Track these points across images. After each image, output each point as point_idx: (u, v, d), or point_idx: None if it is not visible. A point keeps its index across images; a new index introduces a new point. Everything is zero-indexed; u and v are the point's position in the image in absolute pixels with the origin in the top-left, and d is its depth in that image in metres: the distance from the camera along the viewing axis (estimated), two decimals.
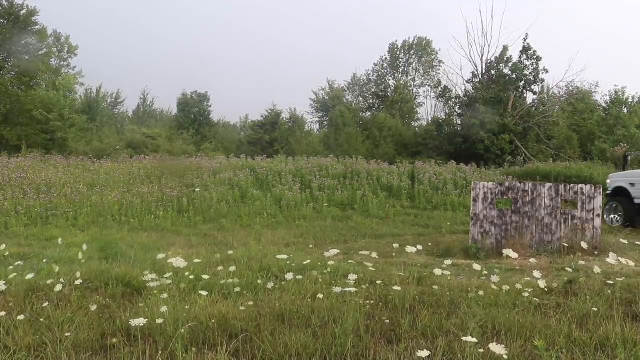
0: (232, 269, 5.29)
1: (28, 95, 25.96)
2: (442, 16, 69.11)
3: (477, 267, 4.82)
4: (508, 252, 4.47)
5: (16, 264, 5.73)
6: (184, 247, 9.73)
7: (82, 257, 5.57)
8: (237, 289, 4.87)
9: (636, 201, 13.88)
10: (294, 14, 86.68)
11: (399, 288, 4.77)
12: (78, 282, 4.85)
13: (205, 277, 5.18)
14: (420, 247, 4.75)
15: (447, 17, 69.26)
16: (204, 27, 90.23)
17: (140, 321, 3.39)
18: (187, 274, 5.02)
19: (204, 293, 4.55)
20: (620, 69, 59.30)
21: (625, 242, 5.68)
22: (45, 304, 4.42)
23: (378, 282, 5.28)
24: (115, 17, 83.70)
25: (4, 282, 4.83)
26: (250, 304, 4.51)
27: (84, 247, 5.84)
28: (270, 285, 5.00)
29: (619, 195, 14.63)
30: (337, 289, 4.27)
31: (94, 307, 4.40)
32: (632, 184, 14.59)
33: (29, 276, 4.98)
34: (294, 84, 72.29)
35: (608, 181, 16.09)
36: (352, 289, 4.17)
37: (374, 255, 5.13)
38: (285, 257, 5.34)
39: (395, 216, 14.98)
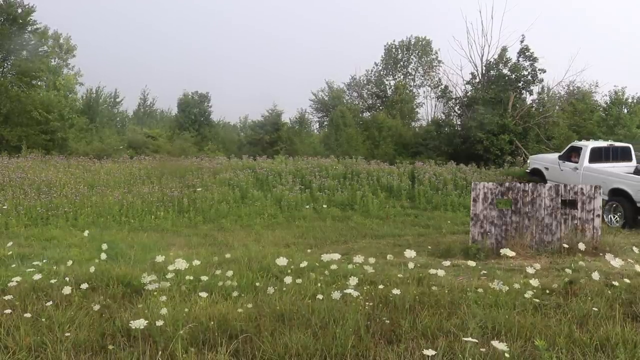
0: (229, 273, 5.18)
1: (28, 95, 25.95)
2: (442, 16, 69.07)
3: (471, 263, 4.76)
4: (505, 251, 4.46)
5: (13, 265, 5.74)
6: (183, 247, 9.74)
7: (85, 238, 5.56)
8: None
9: (549, 182, 15.13)
10: (297, 11, 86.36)
11: (399, 291, 4.76)
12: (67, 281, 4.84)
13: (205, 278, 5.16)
14: (414, 254, 4.66)
15: (448, 17, 69.21)
16: (204, 25, 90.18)
17: (140, 322, 3.37)
18: (187, 277, 5.01)
19: (204, 294, 4.53)
20: (622, 66, 59.07)
21: (637, 250, 5.63)
22: (47, 304, 4.42)
23: (379, 284, 5.28)
24: (117, 16, 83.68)
25: (4, 282, 4.83)
26: (249, 305, 4.51)
27: (86, 233, 5.84)
28: (271, 290, 4.97)
29: (536, 174, 16.49)
30: (337, 294, 4.24)
31: (96, 307, 4.41)
32: (547, 168, 16.10)
33: (36, 276, 4.97)
34: (295, 83, 71.94)
35: (529, 161, 17.98)
36: (353, 292, 4.14)
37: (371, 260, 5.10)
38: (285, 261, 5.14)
39: (395, 216, 14.98)
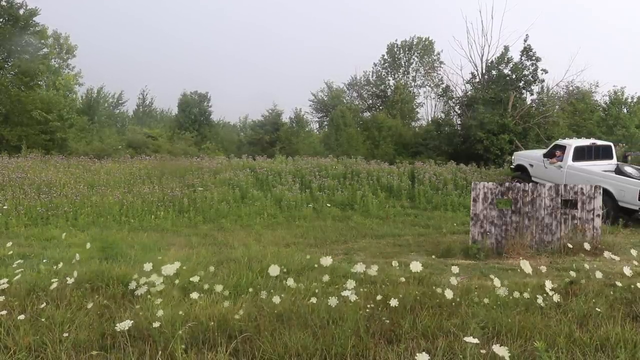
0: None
1: (28, 95, 25.93)
2: (444, 16, 68.94)
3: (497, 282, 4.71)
4: (524, 264, 4.41)
5: (17, 262, 5.73)
6: (184, 247, 9.73)
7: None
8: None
9: (533, 179, 15.46)
10: (299, 9, 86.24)
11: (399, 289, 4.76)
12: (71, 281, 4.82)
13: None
14: (420, 268, 4.59)
15: (449, 17, 69.10)
16: (205, 24, 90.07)
17: (126, 324, 3.33)
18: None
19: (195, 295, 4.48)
20: (623, 66, 58.93)
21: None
22: (46, 304, 4.42)
23: (378, 283, 5.28)
24: (118, 15, 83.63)
25: (6, 281, 4.82)
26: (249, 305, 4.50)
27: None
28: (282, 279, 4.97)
29: (520, 170, 16.75)
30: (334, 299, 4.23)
31: (90, 305, 4.39)
32: (531, 165, 16.26)
33: (30, 277, 4.97)
34: (297, 83, 71.80)
35: (513, 158, 18.15)
36: (352, 296, 4.12)
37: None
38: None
39: (395, 216, 14.97)
